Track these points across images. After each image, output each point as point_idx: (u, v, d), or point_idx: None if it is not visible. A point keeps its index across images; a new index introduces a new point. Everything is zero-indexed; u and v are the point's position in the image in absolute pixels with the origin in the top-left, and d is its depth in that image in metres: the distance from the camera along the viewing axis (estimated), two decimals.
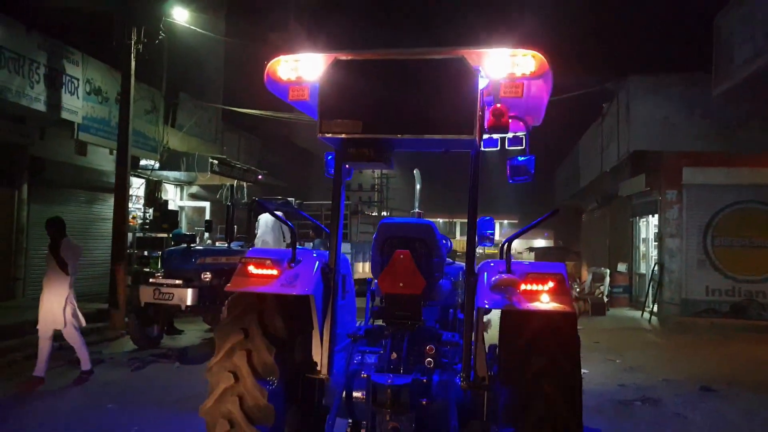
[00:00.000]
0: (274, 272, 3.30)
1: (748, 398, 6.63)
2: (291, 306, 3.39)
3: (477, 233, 4.44)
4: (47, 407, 5.81)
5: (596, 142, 18.28)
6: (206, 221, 11.84)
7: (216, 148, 16.37)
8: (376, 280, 3.71)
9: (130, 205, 13.17)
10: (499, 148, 4.32)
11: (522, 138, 4.06)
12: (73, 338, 6.45)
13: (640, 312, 13.83)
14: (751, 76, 10.94)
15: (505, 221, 65.76)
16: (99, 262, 12.07)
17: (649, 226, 15.16)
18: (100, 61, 11.41)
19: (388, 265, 3.50)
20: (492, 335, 3.53)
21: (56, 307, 6.29)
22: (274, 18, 20.34)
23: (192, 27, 12.31)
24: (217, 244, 10.33)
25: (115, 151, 11.15)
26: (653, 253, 14.35)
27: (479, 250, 5.29)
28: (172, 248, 9.11)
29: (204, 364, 3.50)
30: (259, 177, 15.90)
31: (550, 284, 3.04)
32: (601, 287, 15.21)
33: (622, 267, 16.11)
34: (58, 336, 6.53)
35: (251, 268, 3.34)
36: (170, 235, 11.27)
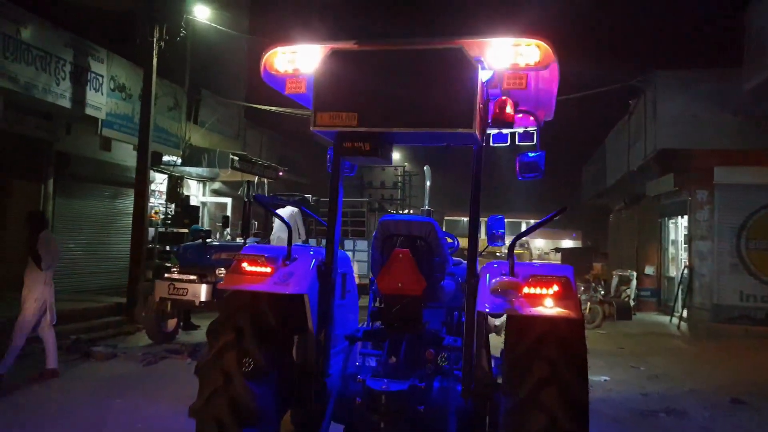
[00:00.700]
0: (268, 270, 3.21)
1: None
2: (286, 305, 3.29)
3: (488, 232, 4.29)
4: (50, 400, 5.81)
5: (623, 140, 17.80)
6: (223, 217, 11.88)
7: (238, 145, 16.44)
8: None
9: (152, 200, 13.34)
10: (509, 143, 4.17)
11: (533, 133, 3.90)
12: (46, 335, 6.43)
13: (669, 317, 13.39)
14: None
15: (532, 221, 64.81)
16: (121, 256, 12.22)
17: (678, 228, 14.67)
18: (125, 59, 11.54)
19: (386, 264, 3.37)
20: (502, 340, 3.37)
21: (30, 301, 6.27)
22: (297, 14, 20.36)
23: (213, 24, 12.35)
24: (238, 240, 10.34)
25: None
26: (683, 256, 13.88)
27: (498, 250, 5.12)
28: (188, 243, 9.15)
29: None
30: (280, 173, 15.91)
31: (555, 288, 2.86)
32: (627, 290, 14.79)
33: (650, 269, 15.64)
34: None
35: (245, 266, 3.25)
36: (189, 230, 11.34)
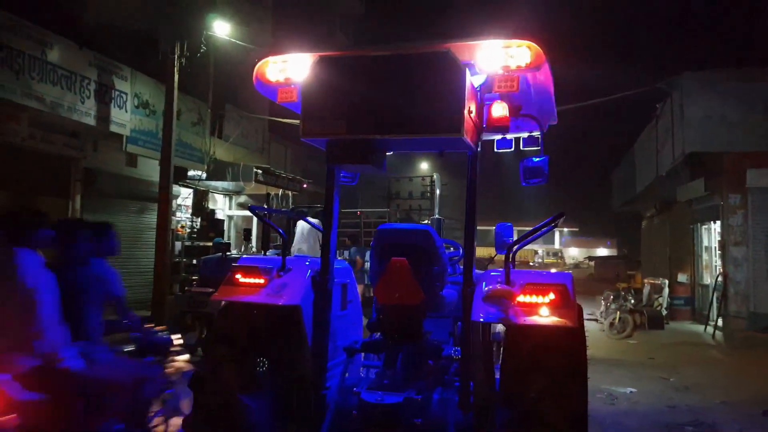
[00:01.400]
0: (261, 281, 3.18)
1: None
2: (282, 317, 3.25)
3: (496, 240, 4.19)
4: None
5: (651, 144, 17.34)
6: (244, 230, 12.00)
7: (263, 158, 16.62)
8: None
9: (179, 214, 13.56)
10: (514, 149, 4.09)
11: (538, 138, 3.82)
12: None
13: (703, 326, 12.90)
14: None
15: (565, 229, 63.61)
16: (148, 271, 12.41)
17: (711, 233, 14.16)
18: (148, 76, 11.81)
19: (383, 273, 3.31)
20: None
21: None
22: (319, 29, 20.59)
23: (233, 40, 12.54)
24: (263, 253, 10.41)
25: None
26: (717, 263, 13.38)
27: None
28: (208, 256, 9.24)
29: None
30: (304, 185, 16.04)
31: (551, 296, 2.76)
32: (659, 299, 14.33)
33: (683, 277, 15.13)
34: None
35: (239, 277, 3.23)
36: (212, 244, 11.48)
